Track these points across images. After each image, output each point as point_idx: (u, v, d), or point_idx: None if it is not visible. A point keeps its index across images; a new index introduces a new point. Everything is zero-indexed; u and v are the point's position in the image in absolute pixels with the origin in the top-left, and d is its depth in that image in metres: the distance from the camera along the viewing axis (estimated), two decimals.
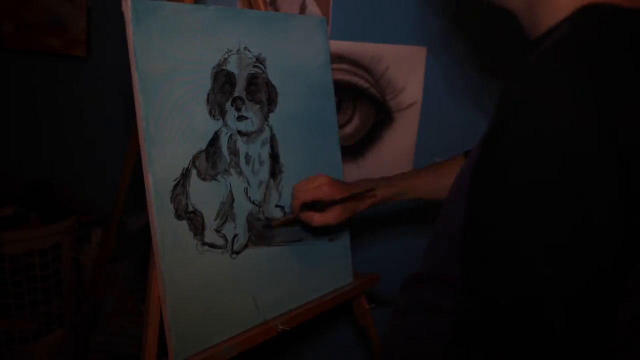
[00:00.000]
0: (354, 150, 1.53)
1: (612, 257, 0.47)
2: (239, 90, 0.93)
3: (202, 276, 0.87)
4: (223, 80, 0.90)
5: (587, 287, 0.48)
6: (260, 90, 0.97)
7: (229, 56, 0.91)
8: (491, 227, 0.50)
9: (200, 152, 0.87)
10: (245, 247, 0.94)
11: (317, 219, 0.95)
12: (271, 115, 0.99)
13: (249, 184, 0.95)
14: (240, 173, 0.94)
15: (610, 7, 0.52)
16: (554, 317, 0.48)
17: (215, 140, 0.89)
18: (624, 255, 0.48)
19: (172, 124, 0.83)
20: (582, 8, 0.53)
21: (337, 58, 1.45)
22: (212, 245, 0.89)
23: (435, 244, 0.72)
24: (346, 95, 1.49)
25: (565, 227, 0.46)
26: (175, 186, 0.84)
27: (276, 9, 1.44)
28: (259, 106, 0.96)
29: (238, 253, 0.93)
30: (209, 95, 0.88)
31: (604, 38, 0.49)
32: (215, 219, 0.90)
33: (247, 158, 0.95)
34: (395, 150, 1.53)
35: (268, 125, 0.98)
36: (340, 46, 1.45)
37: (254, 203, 0.96)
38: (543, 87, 0.47)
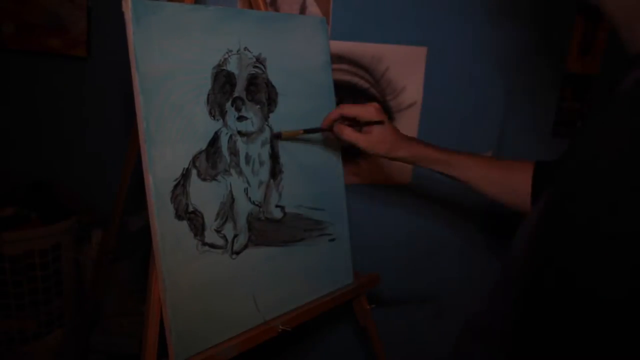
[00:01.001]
0: (354, 150, 1.53)
1: None
2: (239, 90, 0.93)
3: (202, 276, 0.87)
4: (223, 80, 0.90)
5: None
6: (260, 91, 0.97)
7: (229, 56, 0.91)
8: None
9: (200, 152, 0.87)
10: (245, 247, 0.94)
11: (347, 131, 0.91)
12: (271, 115, 0.99)
13: (248, 184, 0.95)
14: (240, 173, 0.94)
15: None
16: None
17: (215, 140, 0.90)
18: None
19: (172, 124, 0.83)
20: None
21: (337, 58, 1.45)
22: (212, 245, 0.89)
23: None
24: (346, 95, 1.49)
25: None
26: (175, 186, 0.84)
27: (276, 9, 1.43)
28: (258, 106, 0.96)
29: (238, 253, 0.93)
30: (208, 95, 0.88)
31: None
32: (215, 219, 0.90)
33: (247, 158, 0.95)
34: None
35: (268, 125, 0.98)
36: (340, 46, 1.45)
37: (253, 203, 0.96)
38: None
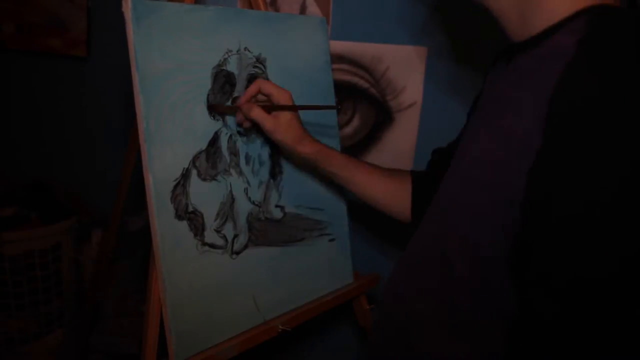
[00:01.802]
0: (354, 150, 1.53)
1: None
2: (239, 90, 0.93)
3: (202, 276, 0.87)
4: (223, 80, 0.90)
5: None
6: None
7: (229, 56, 0.91)
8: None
9: (200, 152, 0.87)
10: (245, 247, 0.94)
11: (256, 110, 0.86)
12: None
13: (248, 184, 0.95)
14: (240, 173, 0.94)
15: (612, 7, 0.53)
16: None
17: (215, 140, 0.90)
18: None
19: (172, 124, 0.83)
20: (589, 8, 0.54)
21: (337, 58, 1.45)
22: (212, 245, 0.89)
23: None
24: (346, 95, 1.49)
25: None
26: (175, 186, 0.84)
27: (276, 9, 1.44)
28: None
29: (238, 253, 0.93)
30: (208, 95, 0.88)
31: (626, 36, 0.51)
32: (215, 219, 0.90)
33: (247, 158, 0.95)
34: (395, 150, 1.53)
35: None
36: (340, 46, 1.45)
37: (253, 203, 0.96)
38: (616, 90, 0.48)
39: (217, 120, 0.90)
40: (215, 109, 0.90)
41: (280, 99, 0.88)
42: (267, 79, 0.97)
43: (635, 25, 0.52)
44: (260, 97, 0.91)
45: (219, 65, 0.90)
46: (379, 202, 0.96)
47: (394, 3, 1.45)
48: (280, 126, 0.87)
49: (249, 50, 0.94)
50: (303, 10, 1.43)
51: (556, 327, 0.52)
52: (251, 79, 0.95)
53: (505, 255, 0.56)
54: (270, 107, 0.88)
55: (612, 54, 0.50)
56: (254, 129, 0.94)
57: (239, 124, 0.92)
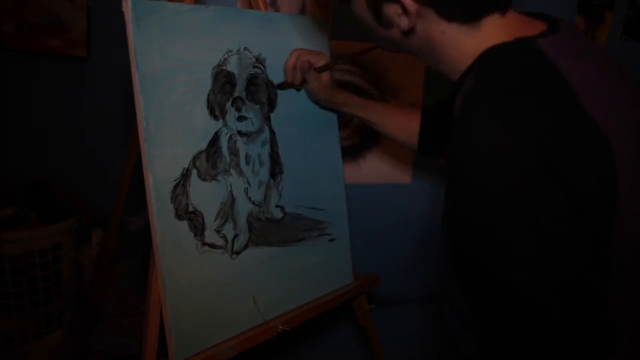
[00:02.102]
0: (354, 150, 1.53)
1: (580, 258, 0.54)
2: (239, 90, 0.93)
3: (202, 276, 0.87)
4: (223, 80, 0.90)
5: (562, 289, 0.54)
6: (260, 91, 0.97)
7: (229, 56, 0.91)
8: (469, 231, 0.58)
9: (200, 152, 0.87)
10: (245, 247, 0.94)
11: (312, 74, 1.00)
12: (271, 115, 0.99)
13: (248, 183, 0.95)
14: (240, 173, 0.94)
15: (501, 45, 0.62)
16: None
17: (215, 140, 0.90)
18: (594, 255, 0.54)
19: (172, 124, 0.83)
20: (482, 54, 0.63)
21: (337, 58, 1.45)
22: (212, 245, 0.89)
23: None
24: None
25: (523, 234, 0.54)
26: (175, 186, 0.84)
27: (276, 9, 1.43)
28: (258, 106, 0.97)
29: (238, 253, 0.93)
30: (208, 95, 0.89)
31: (508, 77, 0.59)
32: (215, 219, 0.90)
33: (247, 158, 0.95)
34: (395, 150, 1.53)
35: (268, 125, 0.99)
36: (340, 46, 1.45)
37: (253, 203, 0.96)
38: (486, 131, 0.56)
39: (217, 120, 0.90)
40: (276, 86, 1.01)
41: (320, 60, 1.01)
42: (266, 78, 0.97)
43: (511, 58, 0.61)
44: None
45: (219, 65, 0.90)
46: (393, 134, 1.09)
47: None
48: (322, 86, 1.03)
49: (248, 50, 0.94)
50: (303, 10, 1.43)
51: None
52: (251, 79, 0.95)
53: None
54: (320, 69, 1.01)
55: (495, 88, 0.59)
56: (255, 131, 0.94)
57: (289, 83, 1.03)
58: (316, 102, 1.08)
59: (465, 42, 0.65)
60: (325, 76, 1.03)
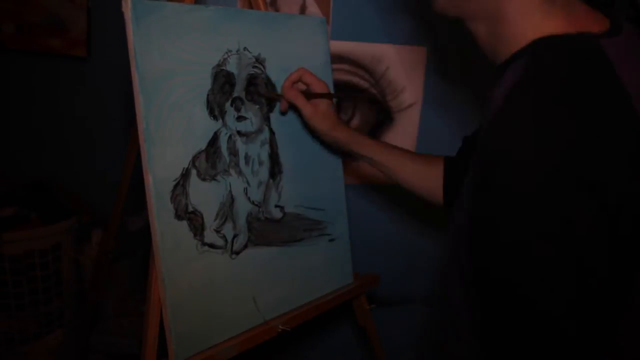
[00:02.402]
0: None
1: (602, 268, 0.50)
2: (239, 90, 0.93)
3: (201, 276, 0.87)
4: (222, 80, 0.90)
5: (578, 298, 0.50)
6: (260, 91, 0.97)
7: (229, 56, 0.91)
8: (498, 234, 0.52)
9: (199, 152, 0.87)
10: (245, 247, 0.94)
11: (300, 98, 0.94)
12: (270, 115, 0.99)
13: (248, 183, 0.95)
14: (240, 173, 0.94)
15: (560, 38, 0.55)
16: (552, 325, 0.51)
17: (214, 140, 0.90)
18: (616, 266, 0.50)
19: (171, 124, 0.83)
20: (537, 41, 0.56)
21: (337, 58, 1.45)
22: (212, 245, 0.89)
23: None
24: (347, 95, 1.50)
25: (550, 238, 0.49)
26: (175, 186, 0.84)
27: (276, 9, 1.44)
28: (258, 106, 0.96)
29: (237, 253, 0.93)
30: (208, 95, 0.89)
31: (564, 79, 0.52)
32: (215, 219, 0.90)
33: (247, 158, 0.95)
34: None
35: (267, 125, 0.99)
36: (340, 46, 1.45)
37: (253, 203, 0.96)
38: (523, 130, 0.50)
39: (217, 120, 0.90)
40: (263, 94, 0.96)
41: (318, 88, 0.95)
42: (266, 78, 0.97)
43: (568, 57, 0.54)
44: (300, 85, 0.98)
45: (218, 65, 0.90)
46: (411, 185, 0.98)
47: (394, 3, 1.45)
48: (318, 113, 0.95)
49: (248, 50, 0.94)
50: (303, 10, 1.43)
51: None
52: (251, 79, 0.95)
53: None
54: (310, 95, 0.95)
55: (543, 86, 0.52)
56: (254, 131, 0.94)
57: (281, 111, 0.99)
58: (314, 133, 0.99)
59: (531, 19, 0.57)
60: (324, 104, 0.95)
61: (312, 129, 0.98)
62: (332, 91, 1.01)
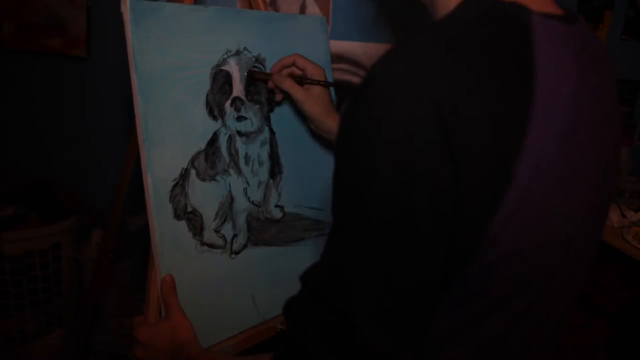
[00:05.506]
0: None
1: (438, 255, 0.47)
2: (238, 90, 0.93)
3: (200, 276, 0.87)
4: (222, 80, 0.90)
5: (409, 286, 0.47)
6: (260, 91, 0.97)
7: (228, 56, 0.91)
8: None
9: (199, 152, 0.87)
10: (244, 247, 0.94)
11: (288, 82, 0.91)
12: (271, 115, 0.99)
13: (248, 184, 0.95)
14: (239, 173, 0.94)
15: (488, 2, 0.50)
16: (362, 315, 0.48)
17: (214, 140, 0.90)
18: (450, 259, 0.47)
19: (170, 124, 0.83)
20: (465, 2, 0.52)
21: (337, 58, 1.45)
22: (211, 245, 0.89)
23: None
24: (346, 94, 1.50)
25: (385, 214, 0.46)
26: (174, 186, 0.84)
27: (276, 9, 1.44)
28: (258, 106, 0.97)
29: (237, 253, 0.93)
30: (207, 95, 0.89)
31: (467, 35, 0.47)
32: (214, 219, 0.90)
33: (246, 158, 0.95)
34: None
35: (267, 125, 0.99)
36: (340, 46, 1.45)
37: (253, 203, 0.96)
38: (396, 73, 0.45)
39: (216, 120, 0.90)
40: (253, 75, 0.93)
41: (314, 74, 0.93)
42: None
43: (481, 16, 0.49)
44: (296, 71, 0.95)
45: (218, 65, 0.90)
46: None
47: (394, 3, 1.45)
48: (311, 98, 0.92)
49: (248, 50, 0.94)
50: (303, 10, 1.43)
51: None
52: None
53: None
54: (303, 80, 0.93)
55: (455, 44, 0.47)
56: (254, 131, 0.94)
57: (271, 91, 0.96)
58: (309, 121, 0.96)
59: None
60: (318, 88, 0.93)
61: (305, 114, 0.94)
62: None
